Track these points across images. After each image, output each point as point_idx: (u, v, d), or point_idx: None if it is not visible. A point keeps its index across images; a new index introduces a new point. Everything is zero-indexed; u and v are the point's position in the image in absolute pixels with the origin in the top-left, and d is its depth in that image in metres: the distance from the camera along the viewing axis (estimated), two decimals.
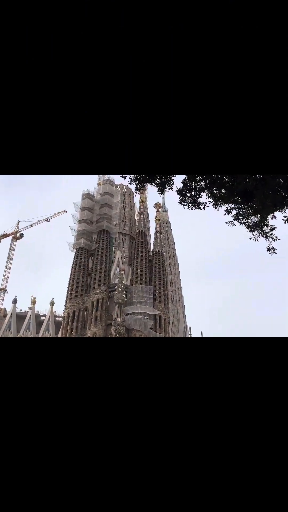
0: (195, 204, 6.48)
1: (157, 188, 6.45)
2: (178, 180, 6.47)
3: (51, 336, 52.26)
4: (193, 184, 6.32)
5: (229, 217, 6.62)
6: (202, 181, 6.23)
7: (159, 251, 53.09)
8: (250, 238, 6.75)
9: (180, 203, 6.47)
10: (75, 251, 52.56)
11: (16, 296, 58.21)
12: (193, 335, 61.69)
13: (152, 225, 60.61)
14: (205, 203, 6.43)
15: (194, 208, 6.53)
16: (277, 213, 6.33)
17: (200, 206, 6.47)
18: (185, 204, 6.48)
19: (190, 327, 61.53)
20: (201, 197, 6.41)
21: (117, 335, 41.78)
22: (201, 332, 61.47)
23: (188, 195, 6.40)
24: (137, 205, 61.53)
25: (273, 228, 6.60)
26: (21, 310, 57.41)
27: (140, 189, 6.70)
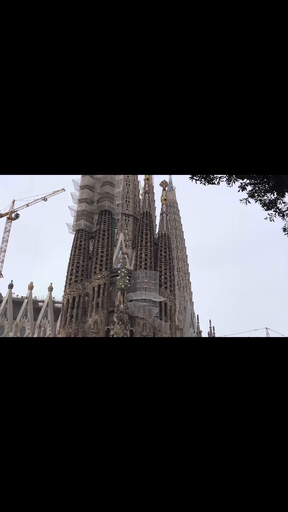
0: (207, 178, 6.27)
1: None
2: None
3: (49, 323, 53.36)
4: None
5: (243, 194, 6.44)
6: None
7: (165, 233, 53.22)
8: (266, 218, 6.64)
9: (191, 178, 6.25)
10: (74, 233, 52.82)
11: (12, 281, 58.18)
12: (201, 324, 62.60)
13: (158, 206, 59.86)
14: (219, 176, 6.25)
15: (206, 184, 6.35)
16: None
17: (214, 180, 6.25)
18: (196, 179, 6.26)
19: (197, 315, 62.33)
20: None
21: (120, 323, 42.67)
22: (210, 320, 62.26)
23: None
24: (142, 183, 60.88)
25: None
26: (17, 295, 57.95)
27: None
